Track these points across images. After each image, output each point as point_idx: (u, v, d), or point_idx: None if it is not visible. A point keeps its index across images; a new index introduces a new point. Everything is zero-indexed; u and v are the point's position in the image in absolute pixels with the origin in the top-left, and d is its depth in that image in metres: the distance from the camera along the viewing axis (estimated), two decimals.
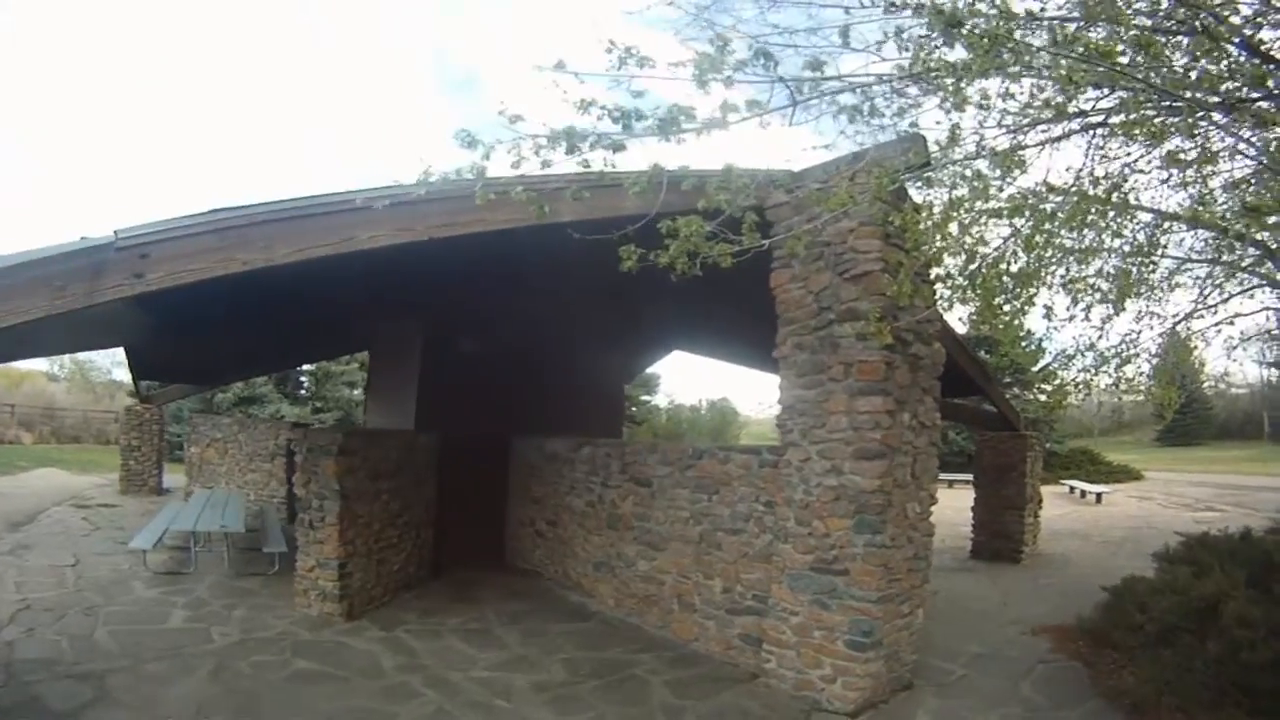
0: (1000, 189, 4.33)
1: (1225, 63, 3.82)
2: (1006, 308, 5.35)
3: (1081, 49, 3.50)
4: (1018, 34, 3.58)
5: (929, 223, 4.81)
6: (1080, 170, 4.80)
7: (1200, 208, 5.91)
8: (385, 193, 4.80)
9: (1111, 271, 6.04)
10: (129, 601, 7.80)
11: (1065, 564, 11.56)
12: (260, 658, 6.36)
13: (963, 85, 3.70)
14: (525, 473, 10.21)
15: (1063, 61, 3.50)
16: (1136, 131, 4.00)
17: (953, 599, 9.04)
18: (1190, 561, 6.79)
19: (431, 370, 10.00)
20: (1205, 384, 11.24)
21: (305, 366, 24.95)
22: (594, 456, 8.76)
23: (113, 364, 35.35)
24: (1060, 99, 3.95)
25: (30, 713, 5.02)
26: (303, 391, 25.84)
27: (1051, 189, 4.49)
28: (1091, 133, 4.44)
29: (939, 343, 6.36)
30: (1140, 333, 7.10)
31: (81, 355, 33.54)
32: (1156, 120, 3.86)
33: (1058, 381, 7.79)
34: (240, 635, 6.91)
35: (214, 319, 8.44)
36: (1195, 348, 8.11)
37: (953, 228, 4.67)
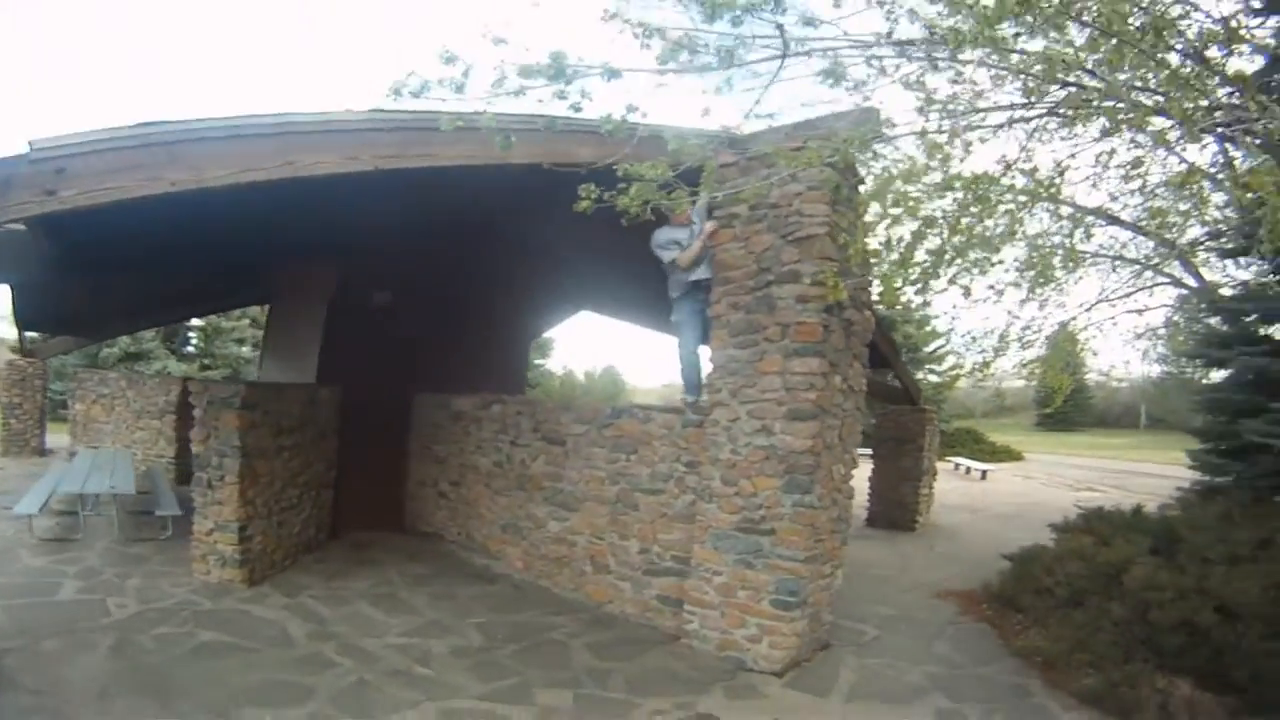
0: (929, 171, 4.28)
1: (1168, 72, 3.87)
2: (910, 286, 5.31)
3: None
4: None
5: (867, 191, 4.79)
6: (1011, 161, 4.76)
7: (1115, 206, 6.22)
8: (333, 118, 4.47)
9: (1024, 260, 6.12)
10: (16, 572, 7.03)
11: (957, 534, 11.82)
12: (162, 630, 5.86)
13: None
14: (428, 431, 9.70)
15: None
16: (1078, 127, 4.21)
17: (855, 564, 8.91)
18: (1089, 532, 6.99)
19: (336, 322, 9.34)
20: (1090, 374, 12.26)
21: (194, 322, 23.57)
22: (504, 415, 8.35)
23: None
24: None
25: None
26: (189, 348, 24.47)
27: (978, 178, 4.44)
28: (1028, 125, 4.45)
29: (869, 310, 6.24)
30: (1045, 319, 7.43)
31: None
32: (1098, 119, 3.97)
33: (957, 362, 8.04)
34: (138, 606, 6.35)
35: (112, 257, 7.60)
36: (1088, 338, 8.53)
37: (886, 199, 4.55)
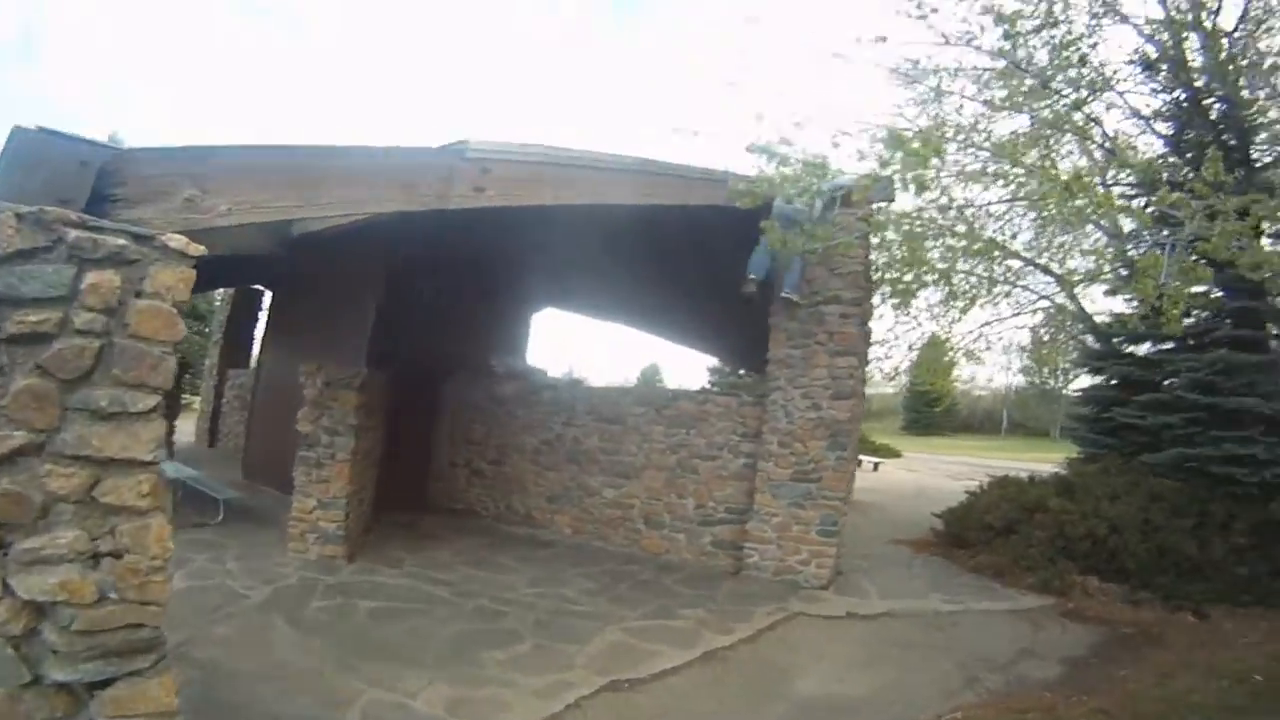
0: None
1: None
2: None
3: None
4: None
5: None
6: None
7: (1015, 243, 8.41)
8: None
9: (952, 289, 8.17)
10: None
11: (880, 508, 14.08)
12: (318, 604, 6.07)
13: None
14: (464, 414, 10.46)
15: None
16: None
17: None
18: (1003, 488, 9.59)
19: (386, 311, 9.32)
20: (958, 382, 14.98)
21: None
22: (556, 399, 9.65)
23: None
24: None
25: None
26: None
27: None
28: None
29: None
30: (951, 332, 9.96)
31: None
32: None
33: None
34: (266, 588, 6.36)
35: None
36: (977, 350, 10.89)
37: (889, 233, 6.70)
